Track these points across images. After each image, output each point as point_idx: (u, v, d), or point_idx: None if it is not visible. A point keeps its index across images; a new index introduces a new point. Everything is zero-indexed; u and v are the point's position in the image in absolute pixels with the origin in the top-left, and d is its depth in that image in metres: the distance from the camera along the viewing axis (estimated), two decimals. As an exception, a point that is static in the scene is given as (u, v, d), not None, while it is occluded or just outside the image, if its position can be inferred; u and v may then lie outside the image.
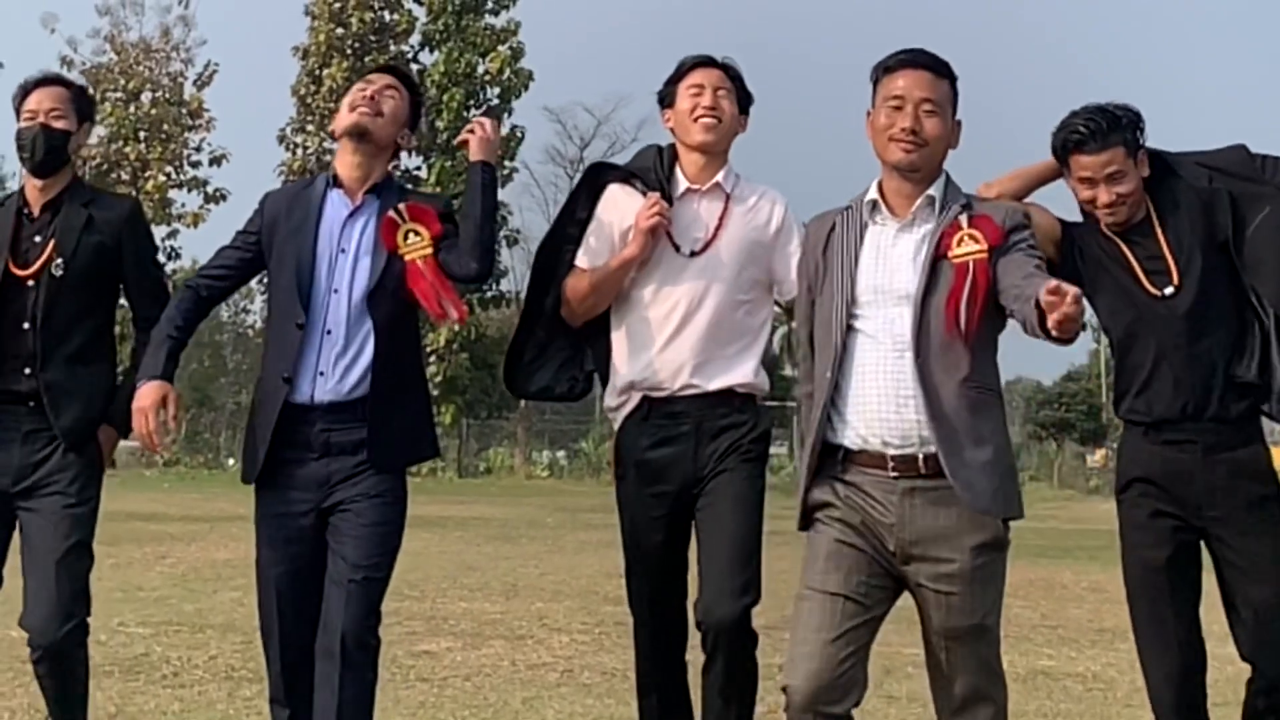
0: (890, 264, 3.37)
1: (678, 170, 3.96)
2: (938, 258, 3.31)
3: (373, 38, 36.18)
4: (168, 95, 36.14)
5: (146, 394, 3.63)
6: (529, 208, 59.62)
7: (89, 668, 4.05)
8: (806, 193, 3.97)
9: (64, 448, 3.91)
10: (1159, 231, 3.70)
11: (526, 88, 36.78)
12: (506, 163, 35.04)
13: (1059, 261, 3.70)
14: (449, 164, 33.99)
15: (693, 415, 3.82)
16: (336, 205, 3.81)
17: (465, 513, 19.22)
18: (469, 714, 5.60)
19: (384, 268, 3.71)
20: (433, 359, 33.99)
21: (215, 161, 36.03)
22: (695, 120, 3.90)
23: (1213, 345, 3.63)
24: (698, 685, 3.83)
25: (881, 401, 3.30)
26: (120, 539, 12.22)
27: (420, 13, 36.94)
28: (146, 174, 34.59)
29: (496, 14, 37.01)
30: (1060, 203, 3.83)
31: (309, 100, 35.74)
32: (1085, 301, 3.56)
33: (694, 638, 3.81)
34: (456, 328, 31.97)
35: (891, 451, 3.29)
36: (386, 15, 36.72)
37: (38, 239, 3.99)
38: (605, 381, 4.03)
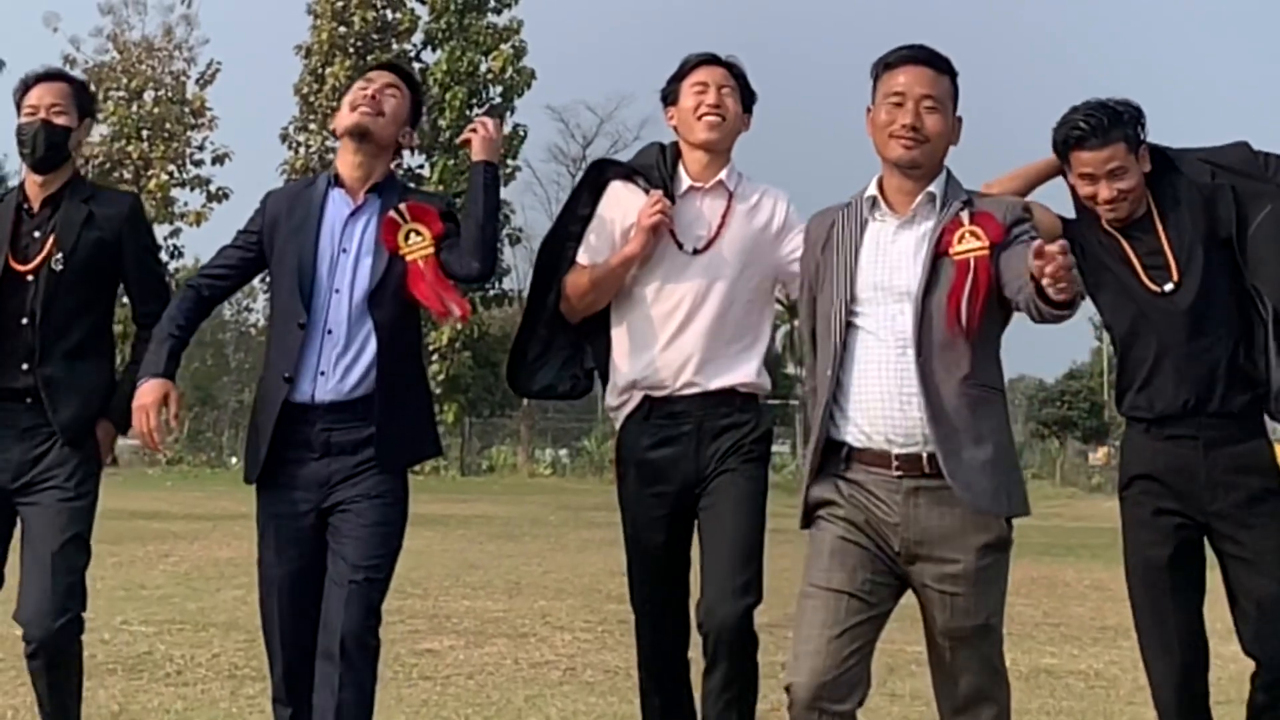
0: (890, 261, 3.36)
1: (681, 168, 3.95)
2: (939, 255, 3.29)
3: (375, 36, 36.20)
4: (170, 94, 36.19)
5: (148, 392, 3.63)
6: (531, 206, 59.71)
7: (83, 667, 4.02)
8: (807, 192, 3.97)
9: (62, 443, 3.91)
10: (1160, 227, 3.69)
11: (529, 86, 36.81)
12: (509, 161, 35.04)
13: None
14: (452, 162, 34.02)
15: (694, 415, 3.81)
16: (338, 205, 3.80)
17: (468, 511, 19.23)
18: (472, 712, 5.60)
19: (385, 268, 3.71)
20: (435, 357, 34.01)
21: (218, 160, 36.10)
22: (699, 118, 3.89)
23: (1214, 341, 3.62)
24: (700, 683, 3.82)
25: (885, 399, 3.29)
26: (123, 537, 12.23)
27: (423, 11, 36.97)
28: (149, 172, 34.64)
29: (499, 12, 37.02)
30: (1058, 201, 3.83)
31: (311, 99, 35.76)
32: (1089, 299, 3.57)
33: (696, 636, 3.80)
34: (459, 326, 31.99)
35: (896, 450, 3.28)
36: (389, 14, 36.74)
37: (37, 234, 3.99)
38: (605, 379, 4.02)
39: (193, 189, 35.64)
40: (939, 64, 3.39)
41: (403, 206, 3.75)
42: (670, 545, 3.87)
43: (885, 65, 3.42)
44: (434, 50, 36.77)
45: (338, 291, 3.71)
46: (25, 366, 3.92)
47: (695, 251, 3.86)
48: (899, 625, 3.37)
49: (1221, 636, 3.79)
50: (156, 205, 33.75)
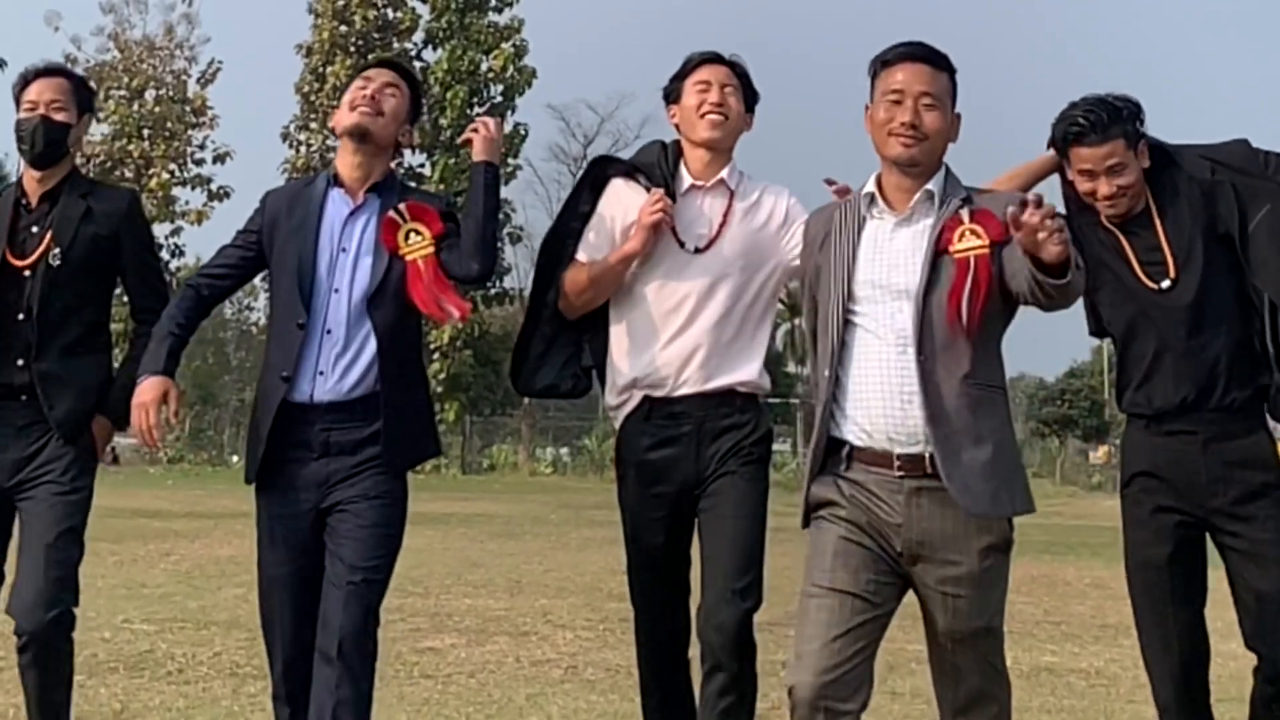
0: (888, 259, 3.34)
1: (682, 166, 3.94)
2: (939, 253, 3.28)
3: (376, 35, 36.22)
4: (171, 93, 36.24)
5: (147, 389, 3.62)
6: (532, 205, 59.76)
7: (73, 668, 3.99)
8: (807, 192, 3.95)
9: (58, 438, 3.91)
10: (1158, 224, 3.68)
11: (530, 85, 36.85)
12: (510, 160, 35.05)
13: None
14: (453, 161, 34.03)
15: (694, 415, 3.80)
16: (337, 204, 3.79)
17: (469, 509, 19.25)
18: (473, 710, 5.61)
19: (385, 268, 3.70)
20: (436, 356, 34.04)
21: (219, 159, 36.16)
22: (702, 116, 3.88)
23: (1213, 337, 3.62)
24: (698, 688, 3.82)
25: (885, 398, 3.28)
26: (124, 536, 12.25)
27: (424, 10, 37.00)
28: (150, 171, 34.68)
29: (500, 11, 37.05)
30: (1054, 199, 3.82)
31: (312, 98, 35.80)
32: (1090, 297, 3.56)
33: (696, 637, 3.80)
34: (460, 325, 31.99)
35: (898, 450, 3.26)
36: (390, 13, 36.78)
37: (35, 229, 3.99)
38: (602, 377, 4.01)
39: (194, 188, 35.71)
40: (937, 61, 3.37)
41: (402, 206, 3.74)
42: (670, 545, 3.87)
43: (883, 63, 3.40)
44: (435, 49, 36.80)
45: (337, 291, 3.70)
46: (21, 362, 3.92)
47: (697, 250, 3.85)
48: (900, 623, 3.36)
49: (1222, 635, 3.79)
50: (158, 204, 33.80)
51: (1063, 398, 52.39)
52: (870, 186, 3.42)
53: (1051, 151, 3.77)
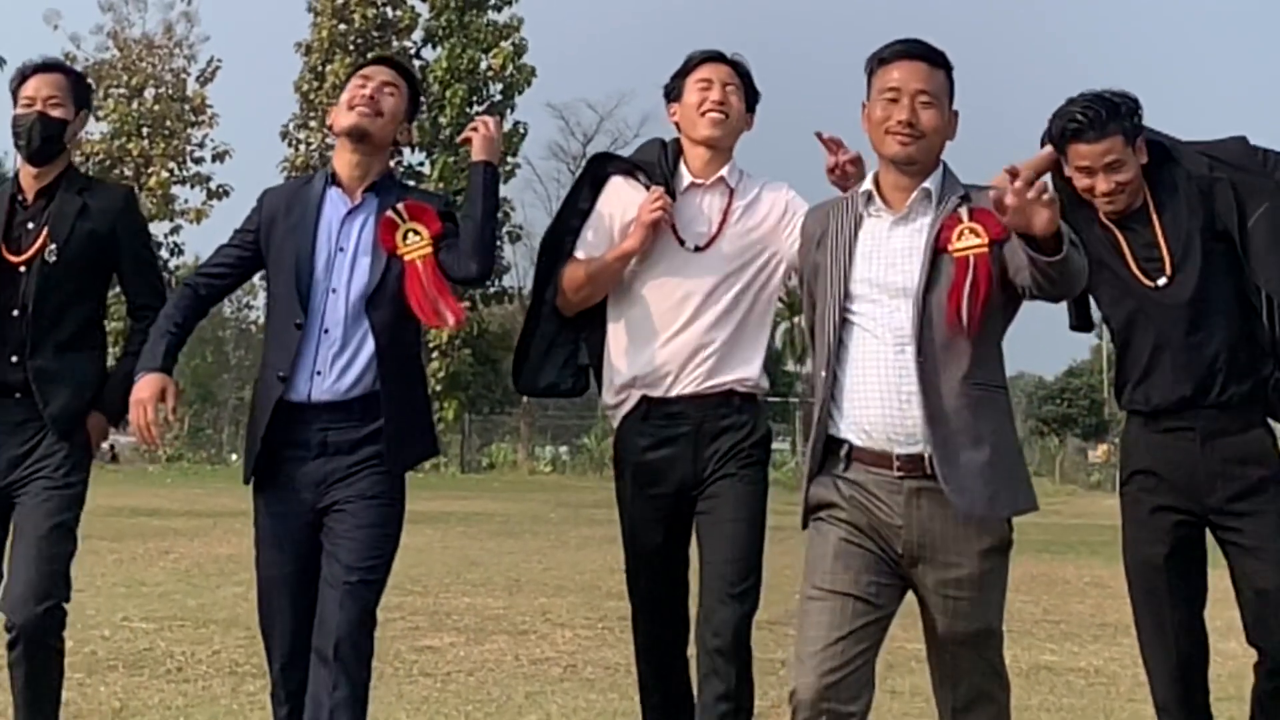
0: (885, 257, 3.33)
1: (682, 164, 3.93)
2: (938, 251, 3.26)
3: (375, 33, 36.20)
4: (170, 91, 36.25)
5: (145, 386, 3.61)
6: (531, 204, 59.73)
7: (64, 670, 3.96)
8: (807, 191, 3.92)
9: (52, 434, 3.91)
10: (1155, 220, 3.67)
11: (529, 84, 36.83)
12: (509, 158, 35.04)
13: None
14: (452, 160, 34.01)
15: (692, 416, 3.79)
16: (335, 203, 3.78)
17: (468, 508, 19.25)
18: (472, 709, 5.61)
19: (384, 268, 3.69)
20: (435, 354, 34.03)
21: (218, 157, 36.18)
22: (702, 115, 3.87)
23: (1211, 334, 3.61)
24: (696, 691, 3.81)
25: (884, 398, 3.26)
26: (123, 534, 12.24)
27: (423, 8, 36.99)
28: (149, 170, 34.69)
29: (499, 10, 37.04)
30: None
31: (312, 96, 35.78)
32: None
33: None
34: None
35: (898, 450, 3.25)
36: (389, 11, 36.77)
37: (31, 226, 3.99)
38: (599, 376, 4.00)
39: (193, 186, 35.74)
40: (934, 58, 3.36)
41: (401, 206, 3.73)
42: (668, 545, 3.86)
43: (880, 60, 3.38)
44: (434, 47, 36.79)
45: (334, 291, 3.69)
46: (15, 359, 3.92)
47: (696, 249, 3.84)
48: (899, 621, 3.36)
49: (1221, 633, 3.79)
50: (157, 202, 33.82)
51: (1062, 396, 52.41)
52: (868, 185, 3.41)
53: (1049, 148, 3.76)
